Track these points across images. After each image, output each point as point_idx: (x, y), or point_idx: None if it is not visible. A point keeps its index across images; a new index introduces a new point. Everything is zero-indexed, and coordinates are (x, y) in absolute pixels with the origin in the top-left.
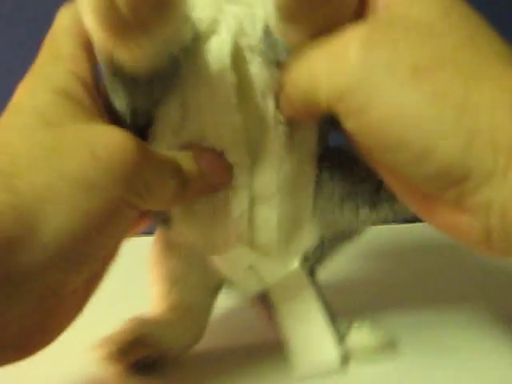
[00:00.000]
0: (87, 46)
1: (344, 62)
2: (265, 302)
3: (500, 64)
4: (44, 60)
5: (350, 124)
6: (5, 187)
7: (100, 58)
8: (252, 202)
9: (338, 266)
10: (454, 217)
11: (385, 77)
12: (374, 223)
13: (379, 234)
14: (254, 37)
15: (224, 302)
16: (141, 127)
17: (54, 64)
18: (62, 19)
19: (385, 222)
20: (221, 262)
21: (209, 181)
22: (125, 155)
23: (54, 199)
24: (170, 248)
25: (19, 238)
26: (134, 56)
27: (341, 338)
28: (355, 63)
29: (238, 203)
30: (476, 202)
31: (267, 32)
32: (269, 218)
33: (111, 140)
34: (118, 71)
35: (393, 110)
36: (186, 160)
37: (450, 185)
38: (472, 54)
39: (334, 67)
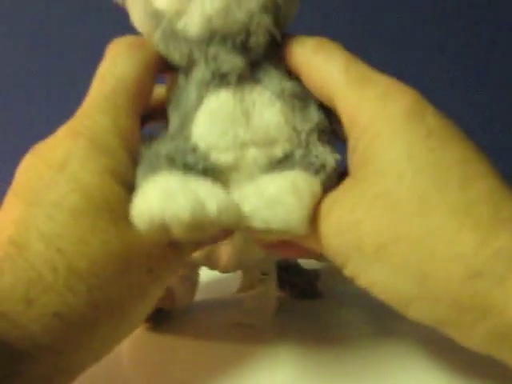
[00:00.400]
0: (140, 105)
1: (329, 246)
2: None
3: (455, 223)
4: (95, 119)
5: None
6: (88, 300)
7: None
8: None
9: None
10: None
11: (357, 255)
12: None
13: None
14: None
15: None
16: None
17: (108, 133)
18: (115, 60)
19: None
20: None
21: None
22: (171, 267)
23: (122, 312)
24: None
25: (88, 348)
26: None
27: None
28: (335, 247)
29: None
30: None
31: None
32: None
33: (162, 253)
34: None
35: (370, 281)
36: None
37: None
38: (425, 221)
39: (326, 250)
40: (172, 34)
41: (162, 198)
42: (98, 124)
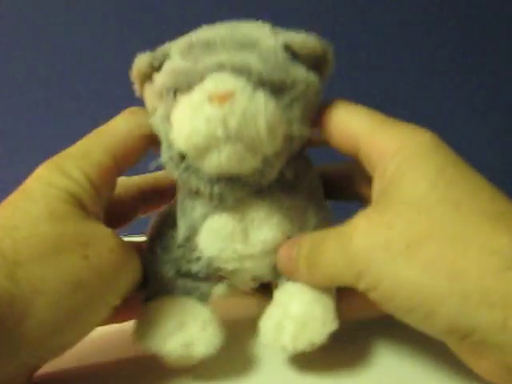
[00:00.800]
0: (120, 156)
1: (352, 249)
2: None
3: (488, 226)
4: (69, 152)
5: (370, 296)
6: (6, 274)
7: None
8: None
9: None
10: (476, 361)
11: (384, 256)
12: None
13: None
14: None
15: None
16: None
17: (74, 162)
18: (117, 117)
19: None
20: None
21: None
22: (115, 263)
23: (45, 293)
24: None
25: (8, 323)
26: None
27: None
28: (359, 249)
29: None
30: (487, 350)
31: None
32: None
33: (105, 246)
34: None
35: (395, 283)
36: None
37: (459, 339)
38: (459, 222)
39: (345, 255)
40: (184, 167)
41: (159, 337)
42: (69, 155)
